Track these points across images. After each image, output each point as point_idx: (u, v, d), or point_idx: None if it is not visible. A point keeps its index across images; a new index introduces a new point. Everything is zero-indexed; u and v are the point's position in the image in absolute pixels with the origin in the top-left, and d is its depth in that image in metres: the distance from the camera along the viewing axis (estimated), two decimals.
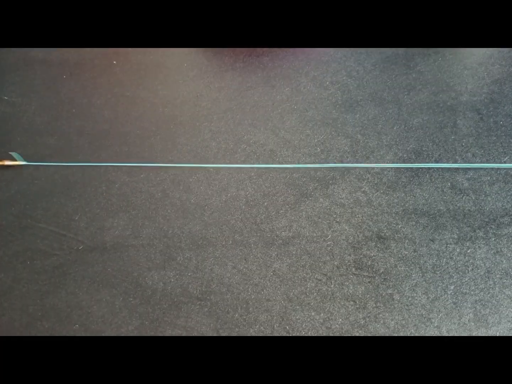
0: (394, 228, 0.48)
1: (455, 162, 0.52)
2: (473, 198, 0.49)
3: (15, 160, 0.50)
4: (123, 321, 0.43)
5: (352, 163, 0.52)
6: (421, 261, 0.46)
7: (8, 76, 0.61)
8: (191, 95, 0.59)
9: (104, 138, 0.55)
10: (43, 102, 0.58)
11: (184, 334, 0.43)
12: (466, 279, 0.45)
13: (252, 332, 0.43)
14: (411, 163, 0.52)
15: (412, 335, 0.42)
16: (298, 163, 0.52)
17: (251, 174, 0.51)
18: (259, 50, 0.63)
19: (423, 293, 0.44)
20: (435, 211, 0.48)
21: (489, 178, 0.50)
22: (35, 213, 0.49)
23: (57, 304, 0.44)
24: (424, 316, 0.43)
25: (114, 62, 0.62)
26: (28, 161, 0.51)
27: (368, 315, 0.43)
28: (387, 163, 0.52)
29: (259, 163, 0.52)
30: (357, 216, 0.48)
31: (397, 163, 0.52)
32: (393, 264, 0.46)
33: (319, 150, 0.53)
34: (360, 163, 0.52)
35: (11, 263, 0.47)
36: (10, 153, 0.51)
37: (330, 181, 0.51)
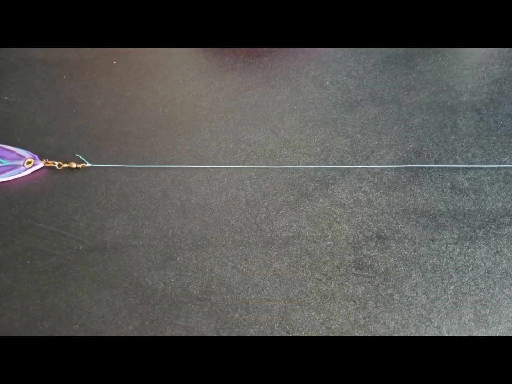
0: (394, 228, 0.48)
1: (455, 162, 0.52)
2: (473, 198, 0.49)
3: (83, 162, 0.50)
4: (123, 321, 0.43)
5: (352, 163, 0.52)
6: (421, 261, 0.46)
7: (8, 76, 0.60)
8: (191, 95, 0.59)
9: (104, 138, 0.55)
10: (43, 102, 0.58)
11: (184, 334, 0.43)
12: (466, 279, 0.45)
13: (252, 332, 0.43)
14: (411, 163, 0.52)
15: (412, 335, 0.42)
16: (298, 163, 0.52)
17: (251, 174, 0.51)
18: (259, 50, 0.63)
19: (423, 293, 0.44)
20: (435, 211, 0.48)
21: (489, 178, 0.50)
22: (35, 213, 0.49)
23: (57, 304, 0.44)
24: (424, 316, 0.43)
25: (114, 62, 0.62)
26: (92, 163, 0.51)
27: (368, 315, 0.43)
28: (387, 163, 0.52)
29: (259, 163, 0.52)
30: (357, 216, 0.48)
31: (397, 163, 0.52)
32: (393, 264, 0.46)
33: (319, 150, 0.53)
34: (360, 163, 0.52)
35: (11, 263, 0.46)
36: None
37: (330, 181, 0.51)
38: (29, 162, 0.51)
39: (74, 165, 0.51)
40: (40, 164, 0.52)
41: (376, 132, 0.54)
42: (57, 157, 0.53)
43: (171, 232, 0.48)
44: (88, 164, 0.51)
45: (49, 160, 0.52)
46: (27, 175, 0.51)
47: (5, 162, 0.51)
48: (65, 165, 0.51)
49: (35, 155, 0.52)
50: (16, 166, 0.51)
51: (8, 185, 0.51)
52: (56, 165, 0.52)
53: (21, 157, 0.51)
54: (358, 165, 0.52)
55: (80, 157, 0.50)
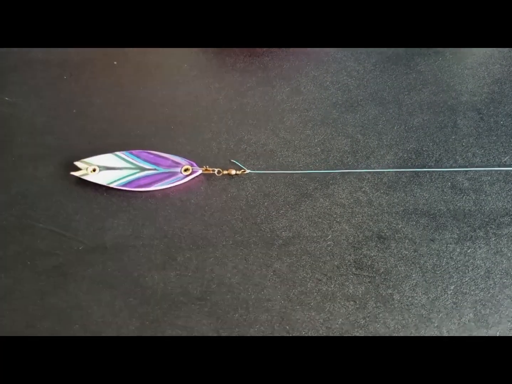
0: (395, 228, 0.48)
1: (456, 162, 0.51)
2: (473, 198, 0.49)
3: (241, 168, 0.50)
4: (123, 321, 0.43)
5: (352, 163, 0.52)
6: (421, 261, 0.46)
7: (8, 76, 0.60)
8: (191, 95, 0.59)
9: (104, 138, 0.55)
10: (43, 102, 0.58)
11: (184, 334, 0.43)
12: (466, 279, 0.45)
13: (252, 332, 0.43)
14: (412, 163, 0.52)
15: (412, 335, 0.42)
16: (299, 163, 0.52)
17: (251, 174, 0.51)
18: (259, 50, 0.63)
19: (423, 293, 0.44)
20: (435, 211, 0.48)
21: (489, 178, 0.50)
22: (35, 213, 0.49)
23: (57, 304, 0.44)
24: (424, 316, 0.43)
25: (114, 62, 0.62)
26: (251, 170, 0.51)
27: (368, 315, 0.43)
28: (387, 162, 0.52)
29: (259, 163, 0.52)
30: (357, 216, 0.48)
31: (397, 162, 0.52)
32: (393, 264, 0.46)
33: (319, 150, 0.53)
34: (361, 163, 0.52)
35: (11, 263, 0.46)
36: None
37: (330, 181, 0.51)
38: (186, 169, 0.50)
39: (233, 171, 0.51)
40: (199, 171, 0.51)
41: (376, 132, 0.54)
42: (56, 156, 0.53)
43: (171, 232, 0.48)
44: (247, 171, 0.50)
45: (209, 167, 0.51)
46: (185, 182, 0.50)
47: (161, 170, 0.50)
48: (224, 172, 0.51)
49: (192, 162, 0.51)
50: (174, 174, 0.50)
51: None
52: (216, 172, 0.51)
53: (177, 164, 0.51)
54: (358, 165, 0.52)
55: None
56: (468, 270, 0.45)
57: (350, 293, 0.44)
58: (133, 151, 0.52)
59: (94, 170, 0.50)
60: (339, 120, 0.56)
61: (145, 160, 0.51)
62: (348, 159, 0.52)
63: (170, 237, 0.48)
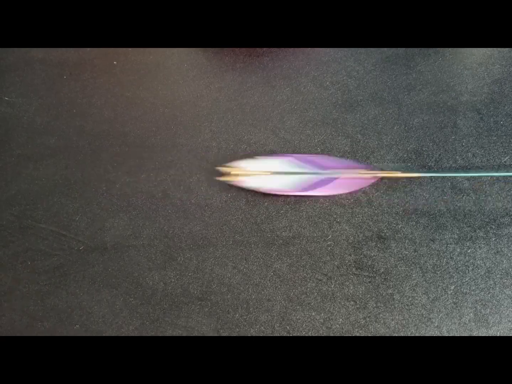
0: (394, 228, 0.48)
1: (456, 162, 0.52)
2: (474, 198, 0.49)
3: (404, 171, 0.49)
4: (124, 321, 0.43)
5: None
6: (422, 261, 0.46)
7: (8, 76, 0.60)
8: (191, 95, 0.59)
9: (104, 138, 0.55)
10: (43, 102, 0.58)
11: (184, 334, 0.43)
12: (467, 279, 0.45)
13: (252, 332, 0.43)
14: (412, 163, 0.52)
15: (413, 335, 0.42)
16: None
17: None
18: (259, 50, 0.63)
19: (424, 293, 0.44)
20: (436, 211, 0.48)
21: (489, 178, 0.50)
22: (35, 213, 0.49)
23: (57, 305, 0.44)
24: (424, 316, 0.43)
25: (114, 62, 0.62)
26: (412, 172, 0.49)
27: (369, 315, 0.43)
28: (387, 163, 0.52)
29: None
30: (357, 216, 0.49)
31: (397, 163, 0.52)
32: (394, 264, 0.46)
33: (319, 150, 0.53)
34: (361, 163, 0.52)
35: (11, 263, 0.46)
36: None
37: None
38: (364, 173, 0.50)
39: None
40: (380, 175, 0.50)
41: (376, 132, 0.54)
42: (55, 156, 0.53)
43: (171, 232, 0.48)
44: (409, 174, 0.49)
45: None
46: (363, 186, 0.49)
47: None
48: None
49: (368, 166, 0.50)
50: (355, 178, 0.49)
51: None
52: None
53: (354, 167, 0.50)
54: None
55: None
56: (468, 270, 0.45)
57: (350, 293, 0.44)
58: (307, 156, 0.51)
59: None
60: (339, 120, 0.56)
61: (322, 165, 0.50)
62: (348, 159, 0.52)
63: (170, 237, 0.48)
